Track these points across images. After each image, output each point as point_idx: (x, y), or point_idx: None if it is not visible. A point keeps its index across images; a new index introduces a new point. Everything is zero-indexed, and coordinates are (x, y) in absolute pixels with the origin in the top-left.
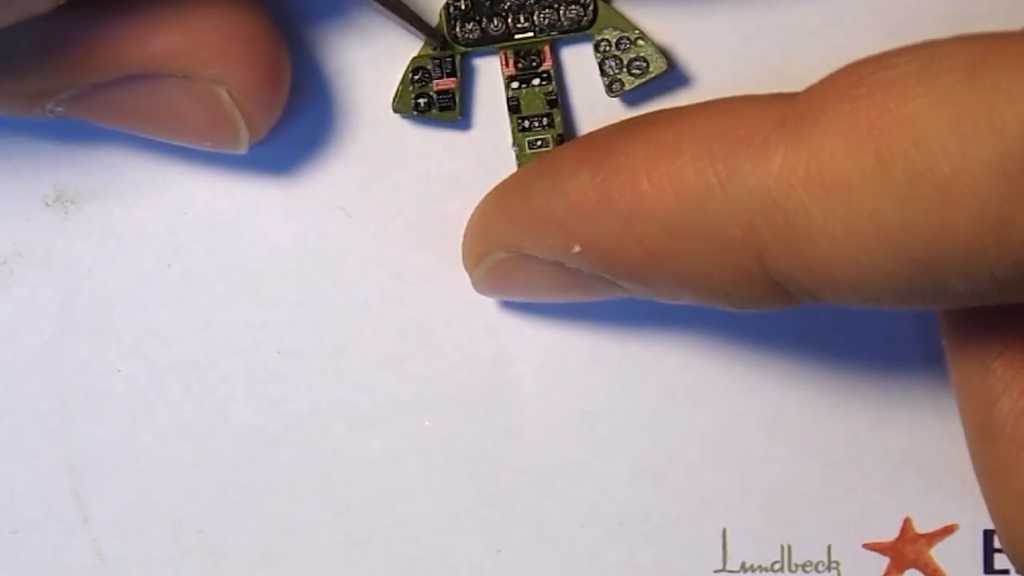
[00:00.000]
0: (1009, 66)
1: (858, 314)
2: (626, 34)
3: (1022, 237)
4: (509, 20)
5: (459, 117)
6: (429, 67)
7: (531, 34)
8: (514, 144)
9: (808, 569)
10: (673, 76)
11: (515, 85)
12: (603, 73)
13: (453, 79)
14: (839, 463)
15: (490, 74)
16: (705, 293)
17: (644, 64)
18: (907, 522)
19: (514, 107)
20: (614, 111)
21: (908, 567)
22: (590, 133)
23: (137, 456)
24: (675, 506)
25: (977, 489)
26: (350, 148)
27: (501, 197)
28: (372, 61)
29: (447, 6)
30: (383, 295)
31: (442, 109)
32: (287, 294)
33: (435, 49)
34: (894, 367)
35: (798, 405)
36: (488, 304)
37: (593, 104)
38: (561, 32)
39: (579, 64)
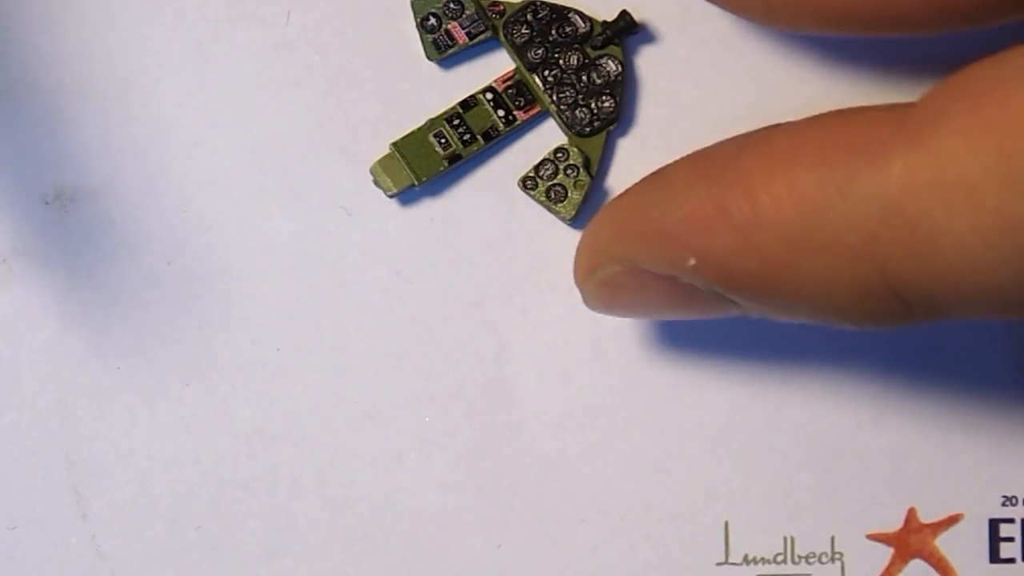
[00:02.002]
0: None
1: None
2: (573, 163)
3: None
4: (544, 65)
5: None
6: (438, 12)
7: (541, 84)
8: (433, 124)
9: (811, 560)
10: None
11: (488, 95)
12: (539, 171)
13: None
14: (842, 453)
15: (483, 67)
16: (824, 309)
17: (574, 173)
18: (911, 512)
19: (464, 104)
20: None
21: (913, 557)
22: (705, 148)
23: (136, 453)
24: (677, 499)
25: (982, 478)
26: (351, 147)
27: (614, 210)
28: (373, 60)
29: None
30: (383, 294)
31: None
32: (287, 293)
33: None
34: (897, 356)
35: (800, 396)
36: (488, 302)
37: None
38: (563, 112)
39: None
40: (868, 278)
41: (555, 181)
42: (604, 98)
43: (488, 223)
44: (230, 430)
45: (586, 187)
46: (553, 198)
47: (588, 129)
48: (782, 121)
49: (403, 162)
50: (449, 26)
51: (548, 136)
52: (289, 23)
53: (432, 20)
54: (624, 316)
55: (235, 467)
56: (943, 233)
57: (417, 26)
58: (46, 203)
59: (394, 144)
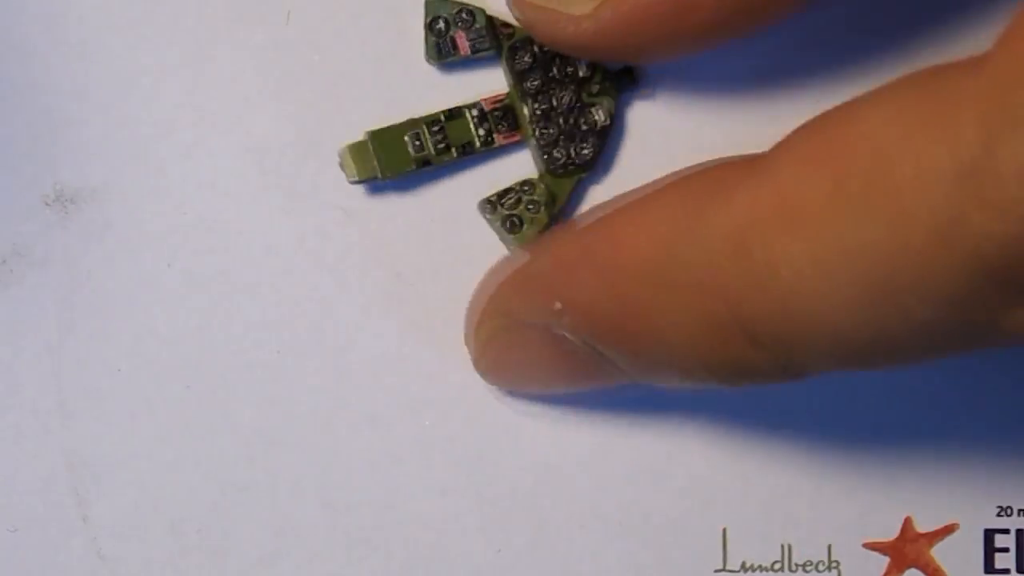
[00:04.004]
0: (959, 79)
1: None
2: (536, 199)
3: (974, 239)
4: (536, 97)
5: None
6: (449, 18)
7: (528, 115)
8: (412, 124)
9: (808, 569)
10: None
11: (474, 111)
12: (502, 199)
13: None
14: (839, 462)
15: (478, 82)
16: (686, 360)
17: (535, 207)
18: (908, 521)
19: (449, 113)
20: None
21: (909, 567)
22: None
23: (137, 455)
24: (675, 505)
25: (977, 488)
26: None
27: (497, 267)
28: (372, 60)
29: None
30: (383, 295)
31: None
32: (287, 294)
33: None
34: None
35: (798, 404)
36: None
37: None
38: (542, 147)
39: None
40: (719, 315)
41: (514, 212)
42: (585, 144)
43: (487, 226)
44: (231, 432)
45: (542, 225)
46: (508, 228)
47: (561, 170)
48: None
49: (373, 153)
50: (456, 34)
51: (521, 166)
52: (289, 23)
53: (441, 24)
54: (517, 386)
55: (236, 470)
56: (782, 263)
57: (425, 26)
58: (46, 203)
59: (370, 132)
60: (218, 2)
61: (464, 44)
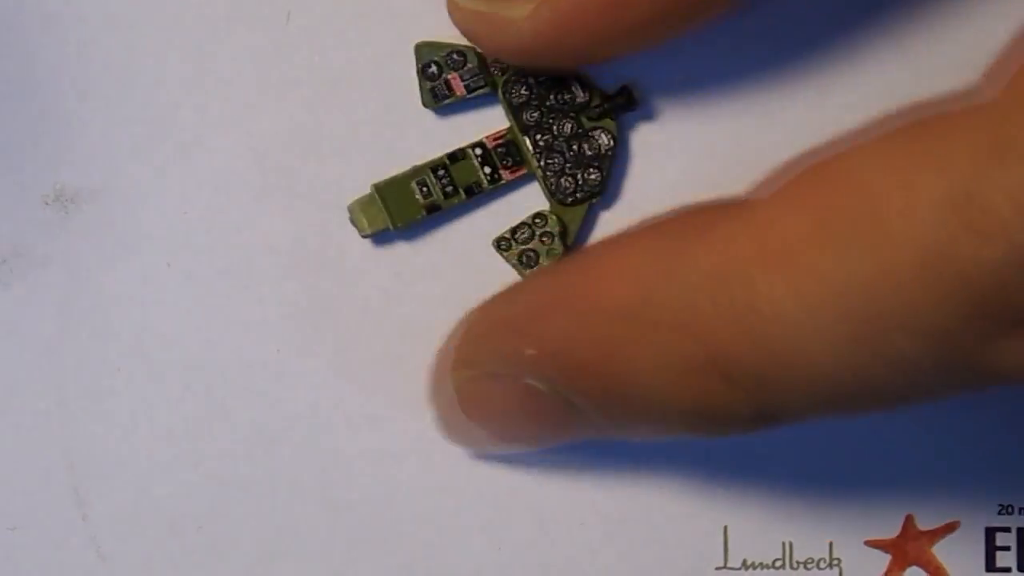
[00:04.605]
0: (950, 118)
1: None
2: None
3: (964, 265)
4: (537, 129)
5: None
6: (440, 61)
7: (531, 147)
8: (417, 172)
9: (810, 566)
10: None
11: (477, 151)
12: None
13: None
14: (840, 460)
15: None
16: (661, 406)
17: (549, 239)
18: (909, 519)
19: (452, 156)
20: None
21: (910, 565)
22: None
23: (137, 454)
24: (676, 503)
25: (979, 487)
26: (350, 148)
27: (465, 318)
28: (373, 61)
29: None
30: (383, 295)
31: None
32: (287, 294)
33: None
34: None
35: None
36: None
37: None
38: (549, 178)
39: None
40: (695, 356)
41: (529, 246)
42: (592, 170)
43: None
44: (231, 431)
45: (558, 256)
46: (524, 263)
47: (571, 199)
48: None
49: (382, 205)
50: (449, 76)
51: (531, 199)
52: (289, 23)
53: (433, 68)
54: (476, 444)
55: (236, 468)
56: (762, 299)
57: (417, 72)
58: (46, 203)
59: (375, 186)
60: (218, 2)
61: (459, 85)
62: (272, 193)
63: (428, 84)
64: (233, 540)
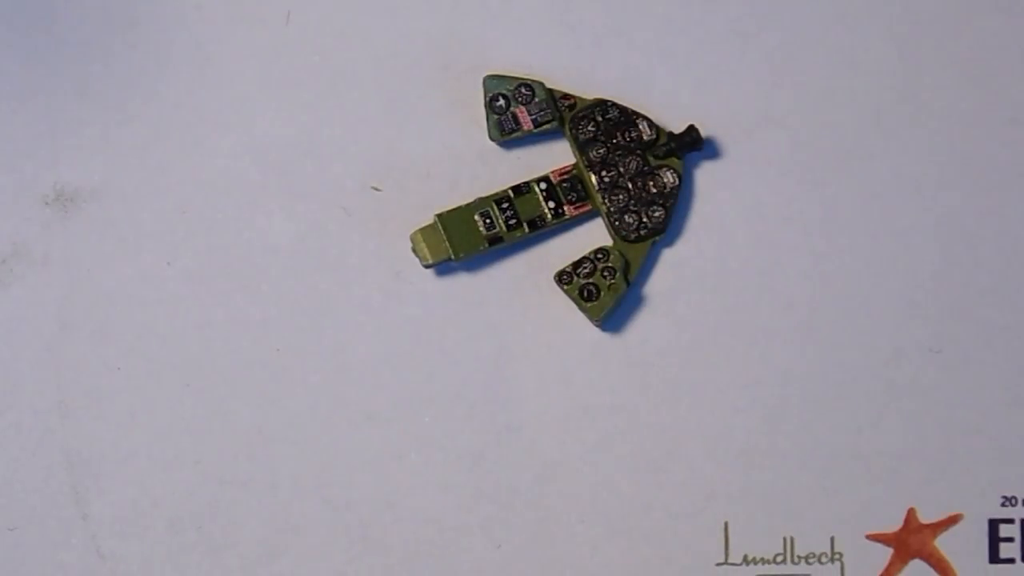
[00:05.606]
0: None
1: (860, 307)
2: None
3: None
4: (603, 165)
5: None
6: (508, 94)
7: (596, 183)
8: (481, 203)
9: (811, 561)
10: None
11: (542, 185)
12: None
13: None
14: (841, 454)
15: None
16: None
17: (611, 273)
18: (911, 512)
19: (516, 189)
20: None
21: (912, 557)
22: None
23: (136, 453)
24: (676, 500)
25: (981, 479)
26: (350, 148)
27: None
28: (373, 61)
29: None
30: (383, 294)
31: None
32: (287, 293)
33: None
34: (896, 358)
35: (800, 397)
36: (488, 302)
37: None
38: (612, 214)
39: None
40: None
41: (590, 281)
42: (656, 208)
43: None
44: (230, 431)
45: (619, 292)
46: (585, 297)
47: (634, 236)
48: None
49: (444, 235)
50: (516, 110)
51: (593, 233)
52: (289, 23)
53: (501, 101)
54: None
55: (235, 467)
56: None
57: (485, 105)
58: (46, 203)
59: (439, 215)
60: (218, 2)
61: (526, 119)
62: (272, 193)
63: (495, 117)
64: (232, 538)
